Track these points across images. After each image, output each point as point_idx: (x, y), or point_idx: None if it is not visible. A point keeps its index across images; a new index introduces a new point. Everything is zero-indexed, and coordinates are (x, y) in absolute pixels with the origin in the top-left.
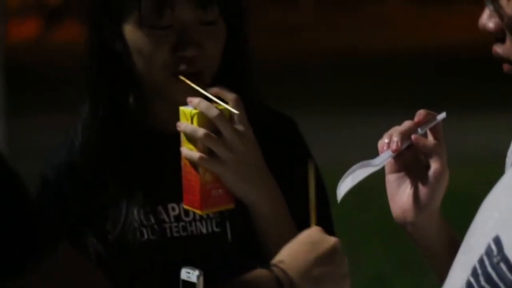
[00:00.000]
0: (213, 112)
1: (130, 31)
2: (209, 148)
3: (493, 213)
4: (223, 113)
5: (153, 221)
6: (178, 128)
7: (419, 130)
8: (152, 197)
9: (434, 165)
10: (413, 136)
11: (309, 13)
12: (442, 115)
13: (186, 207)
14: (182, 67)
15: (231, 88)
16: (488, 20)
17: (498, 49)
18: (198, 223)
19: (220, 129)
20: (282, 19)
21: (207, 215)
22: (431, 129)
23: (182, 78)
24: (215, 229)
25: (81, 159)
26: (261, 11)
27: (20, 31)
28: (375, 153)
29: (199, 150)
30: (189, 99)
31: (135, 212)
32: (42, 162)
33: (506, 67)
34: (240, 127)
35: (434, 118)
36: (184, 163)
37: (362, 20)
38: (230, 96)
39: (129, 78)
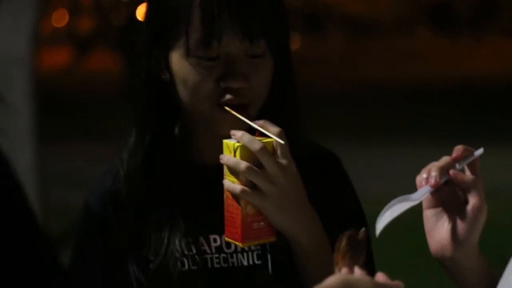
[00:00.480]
0: (256, 145)
1: (177, 61)
2: (251, 181)
3: None
4: (266, 146)
5: (194, 251)
6: (221, 161)
7: (456, 165)
8: (195, 228)
9: (472, 200)
10: (451, 171)
11: (338, 44)
12: (480, 151)
13: (227, 239)
14: (228, 97)
15: (277, 122)
16: None
17: None
18: (240, 255)
19: (263, 163)
20: (311, 50)
21: (249, 247)
22: (469, 165)
23: (227, 108)
24: (256, 262)
25: (126, 188)
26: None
27: (52, 59)
28: (408, 187)
29: (241, 183)
30: (232, 131)
31: (177, 241)
32: (84, 190)
33: None
34: (283, 161)
35: (472, 153)
36: (226, 195)
37: (392, 51)
38: (274, 129)
39: (175, 108)
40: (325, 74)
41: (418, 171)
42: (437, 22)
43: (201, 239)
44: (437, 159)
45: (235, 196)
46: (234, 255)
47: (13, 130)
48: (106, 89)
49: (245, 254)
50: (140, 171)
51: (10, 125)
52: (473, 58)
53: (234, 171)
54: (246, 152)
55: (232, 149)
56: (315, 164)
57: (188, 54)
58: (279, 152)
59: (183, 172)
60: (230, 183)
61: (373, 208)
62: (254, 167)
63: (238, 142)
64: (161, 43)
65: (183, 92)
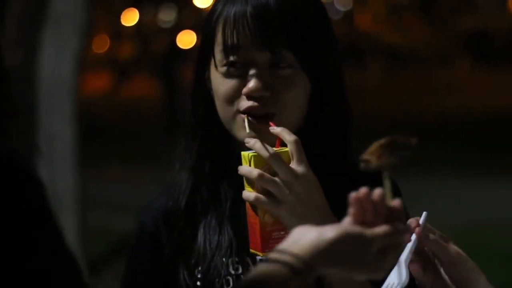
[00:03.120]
0: (266, 152)
1: (213, 76)
2: (268, 190)
3: None
4: (277, 153)
5: (240, 271)
6: (239, 172)
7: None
8: (242, 247)
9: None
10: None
11: (378, 75)
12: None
13: (252, 251)
14: (248, 104)
15: (319, 140)
16: None
17: None
18: None
19: (275, 169)
20: (350, 80)
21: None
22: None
23: (243, 116)
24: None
25: (178, 205)
26: None
27: (92, 85)
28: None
29: (257, 191)
30: (246, 139)
31: (224, 261)
32: (123, 214)
33: None
34: (298, 168)
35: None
36: (247, 206)
37: (431, 83)
38: (290, 138)
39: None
40: (362, 104)
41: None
42: (477, 54)
43: (248, 259)
44: (466, 192)
45: (253, 206)
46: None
47: (55, 155)
48: (145, 115)
49: None
50: (193, 189)
51: (51, 150)
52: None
53: (250, 181)
54: (260, 161)
55: (247, 159)
56: (364, 181)
57: (216, 65)
58: (295, 159)
59: (231, 190)
60: (247, 192)
61: None
62: (267, 174)
63: (254, 152)
64: (205, 63)
65: (217, 105)
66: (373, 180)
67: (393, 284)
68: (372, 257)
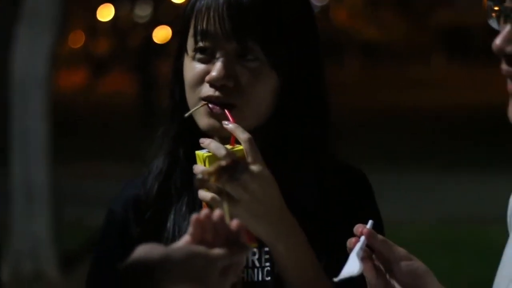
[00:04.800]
0: (221, 152)
1: (185, 61)
2: (223, 189)
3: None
4: (232, 153)
5: None
6: (194, 171)
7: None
8: None
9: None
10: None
11: (354, 70)
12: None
13: None
14: (209, 92)
15: (295, 138)
16: (506, 43)
17: None
18: (250, 271)
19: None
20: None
21: (259, 263)
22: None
23: (204, 102)
24: (266, 278)
25: (150, 191)
26: None
27: (67, 80)
28: (409, 212)
29: (214, 192)
30: (201, 139)
31: None
32: (98, 208)
33: None
34: (253, 167)
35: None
36: (203, 205)
37: (407, 78)
38: (243, 136)
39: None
40: (338, 100)
41: (422, 198)
42: (453, 49)
43: None
44: (441, 187)
45: (209, 205)
46: (245, 271)
47: (29, 150)
48: (121, 110)
49: (255, 270)
50: (168, 173)
51: (26, 145)
52: (489, 85)
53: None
54: (215, 160)
55: (202, 158)
56: (339, 177)
57: (187, 51)
58: (249, 158)
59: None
60: (202, 192)
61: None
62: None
63: (209, 152)
64: (181, 49)
65: (185, 91)
66: (348, 175)
67: (348, 273)
68: (215, 277)
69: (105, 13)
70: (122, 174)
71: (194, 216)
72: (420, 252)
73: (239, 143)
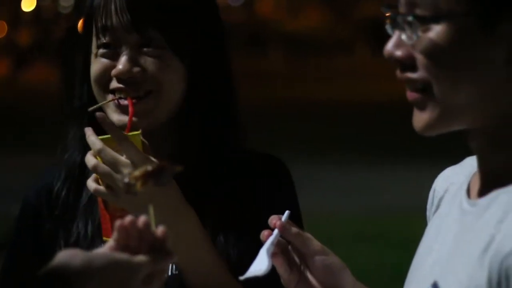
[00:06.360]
0: (95, 146)
1: (91, 59)
2: None
3: (428, 260)
4: (105, 147)
5: None
6: (86, 161)
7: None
8: None
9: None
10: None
11: (278, 62)
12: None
13: (104, 238)
14: (116, 86)
15: (209, 128)
16: (395, 48)
17: (411, 75)
18: None
19: (104, 161)
20: (251, 67)
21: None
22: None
23: (113, 97)
24: (174, 272)
25: (63, 181)
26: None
27: None
28: (335, 201)
29: (102, 182)
30: (85, 129)
31: (104, 242)
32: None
33: (412, 95)
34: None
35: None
36: (99, 200)
37: (331, 69)
38: (110, 123)
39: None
40: (264, 92)
41: (340, 186)
42: (377, 41)
43: None
44: (363, 178)
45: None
46: None
47: None
48: (44, 101)
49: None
50: (82, 165)
51: None
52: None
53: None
54: (111, 146)
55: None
56: (256, 167)
57: (91, 50)
58: (123, 146)
59: None
60: (90, 181)
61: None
62: (101, 165)
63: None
64: (86, 46)
65: (93, 88)
66: (266, 165)
67: (256, 271)
68: (138, 285)
69: (28, 3)
70: (46, 165)
71: (119, 222)
72: (342, 243)
73: (135, 129)
